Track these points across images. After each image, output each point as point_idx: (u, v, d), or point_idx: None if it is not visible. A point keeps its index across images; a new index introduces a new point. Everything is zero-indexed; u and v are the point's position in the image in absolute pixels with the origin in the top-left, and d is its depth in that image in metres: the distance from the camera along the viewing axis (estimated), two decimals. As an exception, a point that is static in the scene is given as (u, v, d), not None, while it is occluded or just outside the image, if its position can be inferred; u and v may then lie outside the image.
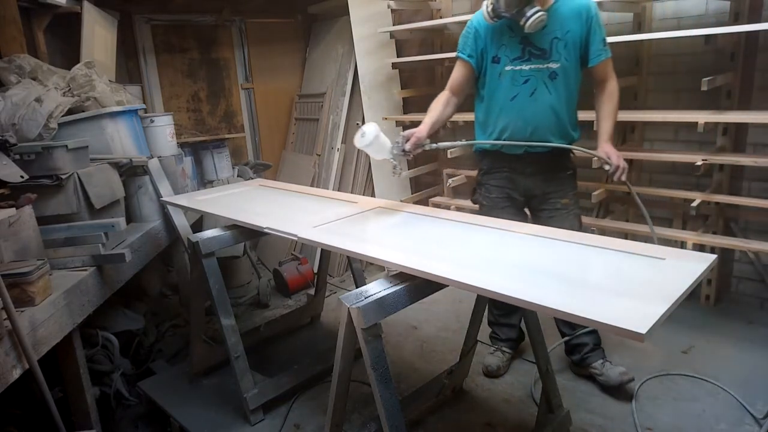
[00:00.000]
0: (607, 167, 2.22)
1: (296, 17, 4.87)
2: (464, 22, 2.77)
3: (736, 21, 2.84)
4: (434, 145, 2.27)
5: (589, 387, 2.53)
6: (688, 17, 3.06)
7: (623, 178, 2.20)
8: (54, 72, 2.82)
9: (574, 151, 2.38)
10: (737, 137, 3.01)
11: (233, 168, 4.35)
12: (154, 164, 2.88)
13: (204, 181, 4.15)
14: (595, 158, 2.38)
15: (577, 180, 2.47)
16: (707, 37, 2.61)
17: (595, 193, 3.03)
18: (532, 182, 2.39)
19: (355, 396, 2.44)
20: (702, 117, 2.66)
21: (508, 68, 2.26)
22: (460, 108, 2.46)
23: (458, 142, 2.45)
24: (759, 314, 3.10)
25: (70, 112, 2.63)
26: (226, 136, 4.64)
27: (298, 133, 4.83)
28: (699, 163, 2.68)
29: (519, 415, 2.38)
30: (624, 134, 3.43)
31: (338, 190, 4.03)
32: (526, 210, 2.53)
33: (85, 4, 3.24)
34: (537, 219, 2.46)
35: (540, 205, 2.43)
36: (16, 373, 1.56)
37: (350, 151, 4.13)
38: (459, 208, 3.59)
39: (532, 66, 2.23)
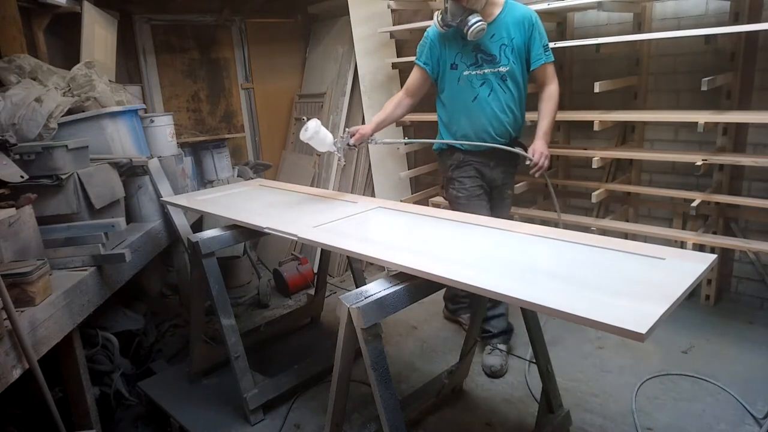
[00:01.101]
0: (528, 162, 2.50)
1: (296, 17, 4.87)
2: None
3: (736, 21, 2.84)
4: (380, 141, 2.64)
5: (589, 387, 2.53)
6: (688, 17, 3.06)
7: (537, 175, 2.51)
8: (54, 72, 2.82)
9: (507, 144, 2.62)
10: (737, 137, 3.01)
11: (233, 168, 4.35)
12: (154, 164, 2.88)
13: (204, 181, 4.15)
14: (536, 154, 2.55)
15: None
16: (707, 37, 2.61)
17: (595, 193, 3.03)
18: (495, 174, 2.67)
19: (355, 396, 2.44)
20: (702, 117, 2.66)
21: (466, 73, 2.52)
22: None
23: (401, 140, 2.90)
24: (759, 314, 3.10)
25: (70, 112, 2.63)
26: (226, 136, 4.64)
27: (298, 133, 4.82)
28: (699, 163, 2.68)
29: (519, 415, 2.38)
30: (624, 134, 3.44)
31: (338, 190, 4.03)
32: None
33: (85, 4, 3.24)
34: (491, 207, 2.71)
35: (496, 194, 2.72)
36: (16, 373, 1.56)
37: (350, 151, 4.13)
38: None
39: (486, 70, 2.50)
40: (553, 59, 2.54)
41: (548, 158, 2.51)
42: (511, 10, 2.48)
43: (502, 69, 2.48)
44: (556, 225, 2.11)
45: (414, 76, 2.65)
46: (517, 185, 3.30)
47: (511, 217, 2.61)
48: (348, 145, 2.55)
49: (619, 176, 3.49)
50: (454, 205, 2.71)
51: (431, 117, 3.03)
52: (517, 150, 2.55)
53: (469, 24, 2.32)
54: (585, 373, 2.64)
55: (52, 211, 2.25)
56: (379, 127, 2.65)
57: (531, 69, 2.53)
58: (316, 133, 2.44)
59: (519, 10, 2.49)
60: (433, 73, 2.60)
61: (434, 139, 2.77)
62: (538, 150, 2.48)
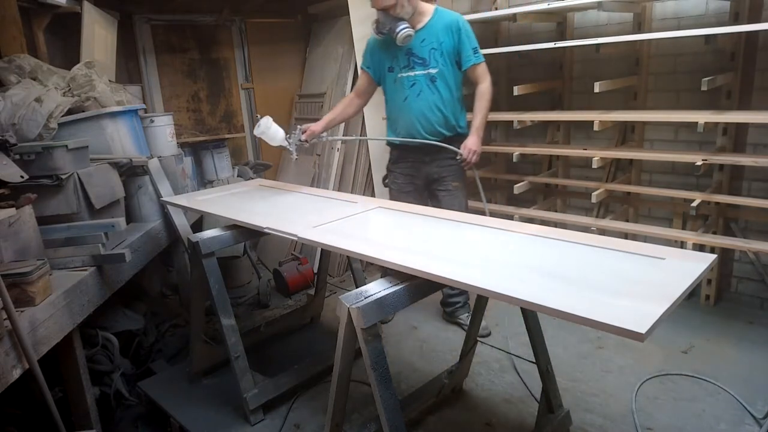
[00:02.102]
0: (457, 158, 2.76)
1: (296, 17, 4.87)
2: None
3: (736, 21, 2.84)
4: (329, 138, 3.02)
5: (589, 387, 2.53)
6: (688, 17, 3.06)
7: (466, 168, 2.81)
8: (54, 72, 2.82)
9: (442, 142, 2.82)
10: (737, 137, 3.01)
11: (233, 168, 4.35)
12: (154, 164, 2.88)
13: (204, 181, 4.15)
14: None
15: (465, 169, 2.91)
16: (707, 37, 2.61)
17: (595, 193, 3.03)
18: (431, 168, 2.88)
19: (355, 396, 2.44)
20: (702, 117, 2.66)
21: (399, 75, 2.78)
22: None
23: (350, 137, 3.42)
24: (759, 314, 3.10)
25: (70, 112, 2.63)
26: (226, 136, 4.64)
27: (296, 133, 4.82)
28: (699, 163, 2.68)
29: (519, 415, 2.38)
30: (624, 134, 3.44)
31: (338, 190, 4.03)
32: (427, 193, 3.04)
33: (85, 4, 3.24)
34: (435, 199, 2.97)
35: (437, 187, 2.92)
36: (16, 373, 1.56)
37: (350, 151, 4.13)
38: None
39: (417, 72, 2.74)
40: (482, 60, 2.75)
41: (477, 154, 2.74)
42: (440, 16, 2.72)
43: (432, 71, 2.71)
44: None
45: (360, 78, 2.96)
46: (518, 185, 3.34)
47: (468, 209, 2.86)
48: (299, 141, 2.78)
49: (619, 176, 3.49)
50: (390, 193, 3.09)
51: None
52: (446, 145, 2.77)
53: (397, 31, 2.59)
54: (585, 373, 2.64)
55: (52, 211, 2.24)
56: (329, 125, 2.91)
57: (462, 70, 2.75)
58: (267, 128, 2.67)
59: (448, 16, 2.72)
60: (375, 76, 2.89)
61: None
62: (467, 146, 2.73)
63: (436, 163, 2.87)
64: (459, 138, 2.82)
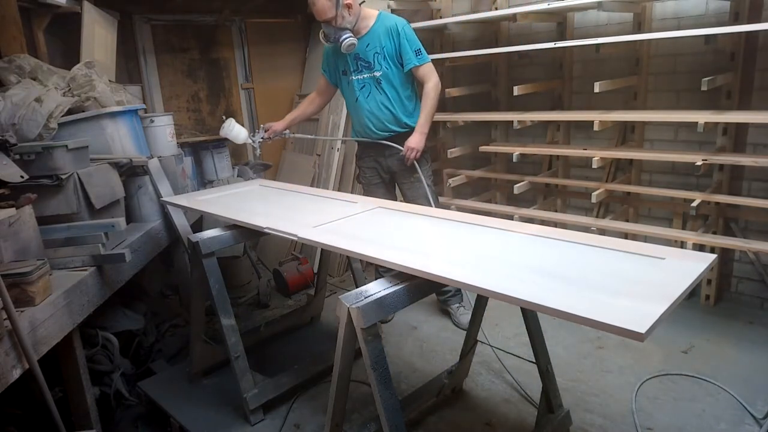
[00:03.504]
0: (400, 154, 2.91)
1: (296, 17, 4.87)
2: (464, 22, 3.02)
3: (736, 21, 2.84)
4: (290, 135, 3.20)
5: (589, 387, 2.53)
6: (688, 17, 3.06)
7: (408, 164, 2.92)
8: (54, 72, 2.82)
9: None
10: (737, 137, 3.01)
11: (233, 168, 4.34)
12: (154, 164, 2.88)
13: (204, 181, 4.14)
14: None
15: (428, 160, 3.08)
16: (707, 37, 2.61)
17: (595, 193, 3.03)
18: (390, 162, 3.04)
19: (355, 396, 2.44)
20: (702, 117, 2.66)
21: (351, 78, 2.95)
22: (463, 109, 2.96)
23: (310, 136, 3.73)
24: (759, 314, 3.10)
25: (70, 112, 2.62)
26: (227, 136, 4.63)
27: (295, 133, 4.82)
28: (699, 163, 2.68)
29: (519, 415, 2.38)
30: (624, 134, 3.44)
31: (338, 190, 4.03)
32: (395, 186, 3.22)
33: (85, 4, 3.24)
34: (401, 190, 3.15)
35: (400, 179, 3.09)
36: (16, 373, 1.56)
37: (350, 151, 4.13)
38: (459, 208, 3.59)
39: (365, 75, 2.91)
40: (426, 61, 2.86)
41: (417, 151, 2.88)
42: (382, 21, 2.85)
43: (377, 74, 2.88)
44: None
45: (320, 81, 3.17)
46: (518, 185, 3.34)
47: (434, 201, 2.96)
48: (262, 138, 3.06)
49: (619, 176, 3.49)
50: (362, 189, 3.28)
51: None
52: (390, 143, 2.96)
53: (341, 41, 2.74)
54: (585, 373, 2.64)
55: (52, 211, 2.24)
56: (291, 123, 3.13)
57: (404, 70, 2.87)
58: (230, 129, 3.00)
59: (389, 20, 2.85)
60: (332, 79, 3.08)
61: None
62: (409, 143, 2.88)
63: (393, 158, 3.02)
64: (411, 133, 2.96)
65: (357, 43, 2.78)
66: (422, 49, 2.86)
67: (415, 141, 2.87)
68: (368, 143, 3.05)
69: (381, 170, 3.10)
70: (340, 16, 2.71)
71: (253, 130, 3.13)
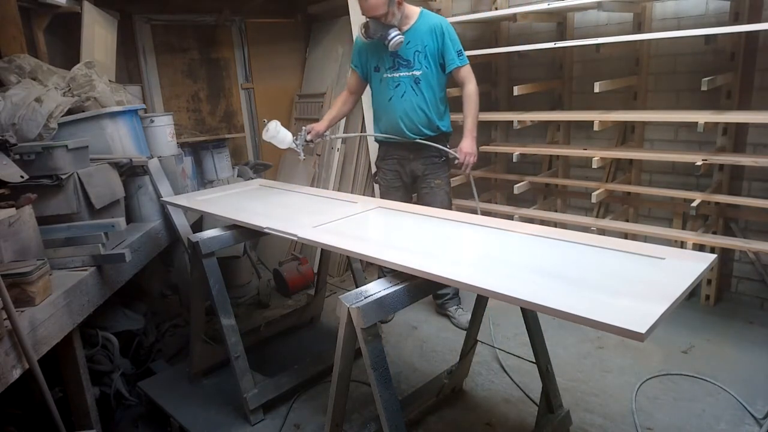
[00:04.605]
0: (456, 161, 2.83)
1: (296, 17, 4.87)
2: (464, 22, 3.03)
3: (736, 21, 2.84)
4: (333, 136, 3.02)
5: (589, 387, 2.53)
6: (688, 17, 3.06)
7: (467, 171, 2.84)
8: (54, 72, 2.82)
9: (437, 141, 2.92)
10: (737, 137, 3.01)
11: (233, 168, 4.34)
12: (154, 164, 2.88)
13: (204, 181, 4.14)
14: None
15: (449, 167, 3.01)
16: (707, 37, 2.61)
17: (595, 193, 3.03)
18: (415, 165, 2.97)
19: (355, 396, 2.44)
20: (702, 117, 2.66)
21: (385, 75, 2.85)
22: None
23: (353, 134, 3.46)
24: (759, 314, 3.10)
25: (70, 112, 2.63)
26: (226, 136, 4.63)
27: (297, 133, 4.81)
28: (699, 163, 2.68)
29: (519, 415, 2.38)
30: (624, 134, 3.44)
31: (338, 190, 4.03)
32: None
33: (85, 4, 3.24)
34: (419, 195, 3.08)
35: (420, 184, 3.02)
36: (16, 373, 1.56)
37: (350, 151, 4.13)
38: (459, 208, 3.59)
39: (402, 73, 2.81)
40: (466, 62, 2.80)
41: (474, 156, 2.80)
42: (425, 19, 2.77)
43: (416, 73, 2.79)
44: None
45: (351, 77, 3.05)
46: (518, 185, 3.34)
47: (450, 206, 2.99)
48: (306, 141, 2.86)
49: (619, 176, 3.49)
50: (380, 190, 3.18)
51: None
52: (444, 149, 2.88)
53: (389, 38, 2.65)
54: (585, 373, 2.64)
55: (52, 211, 2.24)
56: (331, 124, 2.99)
57: (447, 72, 2.81)
58: (276, 133, 2.76)
59: (432, 19, 2.77)
60: (363, 74, 2.97)
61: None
62: (464, 149, 2.80)
63: (421, 161, 2.95)
64: (441, 137, 2.93)
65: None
66: (463, 50, 2.80)
67: (470, 146, 2.79)
68: (395, 144, 2.95)
69: (403, 174, 3.02)
70: (390, 12, 2.63)
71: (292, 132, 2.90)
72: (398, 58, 2.79)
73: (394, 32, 2.66)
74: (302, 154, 2.88)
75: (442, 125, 2.91)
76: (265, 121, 2.76)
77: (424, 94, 2.81)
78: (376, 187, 3.99)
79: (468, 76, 2.82)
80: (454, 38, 2.77)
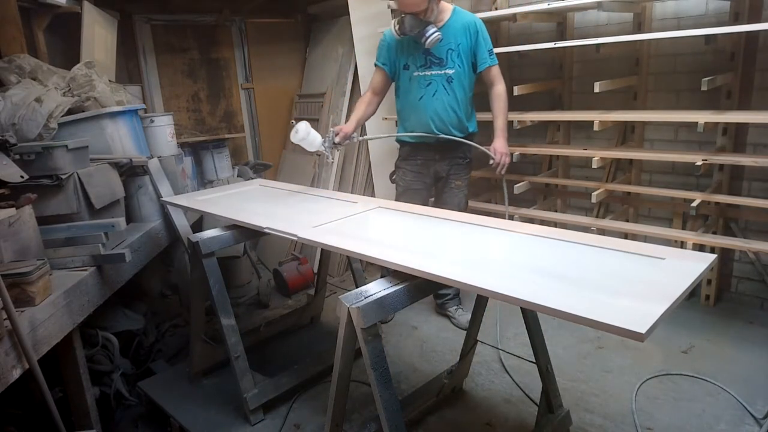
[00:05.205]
0: (491, 162, 2.76)
1: (296, 17, 4.87)
2: None
3: (736, 21, 2.84)
4: (361, 138, 2.87)
5: (589, 387, 2.53)
6: (688, 17, 3.06)
7: (503, 172, 2.77)
8: (54, 72, 2.82)
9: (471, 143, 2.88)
10: (737, 137, 3.01)
11: (233, 168, 4.34)
12: (154, 164, 2.88)
13: (204, 181, 4.14)
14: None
15: (471, 169, 3.01)
16: (707, 37, 2.61)
17: (595, 193, 3.03)
18: (440, 166, 2.92)
19: (355, 396, 2.44)
20: (702, 117, 2.66)
21: (415, 74, 2.76)
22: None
23: (381, 135, 3.16)
24: (759, 314, 3.10)
25: (70, 112, 2.63)
26: (226, 136, 4.64)
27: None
28: (699, 163, 2.68)
29: (519, 415, 2.38)
30: (624, 134, 3.44)
31: (338, 190, 4.03)
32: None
33: (85, 4, 3.24)
34: (438, 194, 3.04)
35: (443, 184, 2.98)
36: (16, 373, 1.56)
37: (350, 151, 4.13)
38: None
39: (433, 72, 2.73)
40: (497, 62, 2.77)
41: (509, 156, 2.77)
42: (458, 17, 2.71)
43: (449, 71, 2.72)
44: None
45: (377, 76, 2.90)
46: (518, 185, 3.34)
47: (466, 208, 2.97)
48: (334, 143, 2.69)
49: (619, 176, 3.49)
50: (396, 189, 3.06)
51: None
52: (482, 147, 2.79)
53: (427, 35, 2.57)
54: (585, 373, 2.64)
55: (52, 211, 2.24)
56: (359, 124, 2.86)
57: (478, 71, 2.77)
58: (307, 134, 2.58)
59: (466, 17, 2.72)
60: (391, 73, 2.85)
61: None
62: (498, 149, 2.74)
63: (447, 162, 2.91)
64: (468, 138, 2.86)
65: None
66: (493, 49, 2.75)
67: (504, 146, 2.74)
68: (422, 144, 2.87)
69: (426, 175, 2.94)
70: (430, 8, 2.55)
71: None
72: (430, 55, 2.71)
73: (431, 29, 2.57)
74: (330, 157, 2.73)
75: (470, 126, 2.88)
76: (293, 122, 2.62)
77: (456, 93, 2.75)
78: (377, 187, 4.01)
79: (498, 76, 2.78)
80: (486, 37, 2.72)
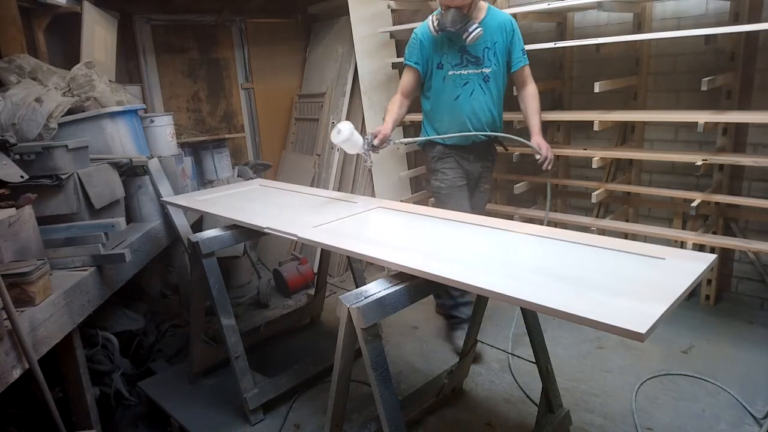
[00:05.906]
0: (538, 157, 2.70)
1: (296, 17, 4.87)
2: None
3: (736, 21, 2.84)
4: (398, 141, 2.70)
5: (589, 387, 2.53)
6: (688, 17, 3.06)
7: (550, 167, 2.72)
8: (54, 72, 2.82)
9: (505, 143, 2.91)
10: (737, 137, 3.01)
11: (233, 168, 4.34)
12: (154, 164, 2.88)
13: (204, 181, 4.14)
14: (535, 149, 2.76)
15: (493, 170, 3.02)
16: (707, 37, 2.61)
17: (595, 193, 3.03)
18: (473, 168, 2.86)
19: (355, 396, 2.44)
20: (702, 117, 2.66)
21: (450, 73, 2.68)
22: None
23: (418, 138, 2.91)
24: (759, 314, 3.10)
25: (70, 112, 2.63)
26: (226, 136, 4.64)
27: (298, 133, 4.83)
28: (699, 163, 2.68)
29: (519, 415, 2.38)
30: (624, 134, 3.44)
31: (338, 190, 4.03)
32: None
33: (85, 4, 3.24)
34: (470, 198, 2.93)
35: (474, 186, 2.92)
36: (16, 373, 1.56)
37: (374, 152, 4.11)
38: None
39: (470, 71, 2.67)
40: (528, 62, 2.76)
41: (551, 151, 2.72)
42: (493, 15, 2.67)
43: (486, 70, 2.67)
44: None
45: (407, 76, 2.77)
46: (518, 185, 3.34)
47: (489, 211, 2.90)
48: (372, 146, 2.51)
49: (619, 176, 3.49)
50: (436, 195, 2.90)
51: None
52: (529, 144, 2.71)
53: (469, 30, 2.49)
54: (585, 373, 2.64)
55: (52, 211, 2.24)
56: (395, 125, 2.74)
57: (512, 71, 2.74)
58: (351, 135, 2.36)
59: (501, 15, 2.69)
60: (424, 72, 2.74)
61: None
62: (543, 145, 2.70)
63: (480, 164, 2.88)
64: (498, 139, 2.88)
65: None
66: (525, 49, 2.74)
67: (546, 143, 2.71)
68: (455, 145, 2.78)
69: (464, 174, 2.85)
70: (474, 4, 2.51)
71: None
72: (466, 54, 2.64)
73: (474, 24, 2.50)
74: (369, 161, 2.57)
75: (501, 126, 2.85)
76: (334, 122, 2.39)
77: (491, 93, 2.71)
78: (377, 187, 4.01)
79: (530, 76, 2.78)
80: (520, 36, 2.70)
